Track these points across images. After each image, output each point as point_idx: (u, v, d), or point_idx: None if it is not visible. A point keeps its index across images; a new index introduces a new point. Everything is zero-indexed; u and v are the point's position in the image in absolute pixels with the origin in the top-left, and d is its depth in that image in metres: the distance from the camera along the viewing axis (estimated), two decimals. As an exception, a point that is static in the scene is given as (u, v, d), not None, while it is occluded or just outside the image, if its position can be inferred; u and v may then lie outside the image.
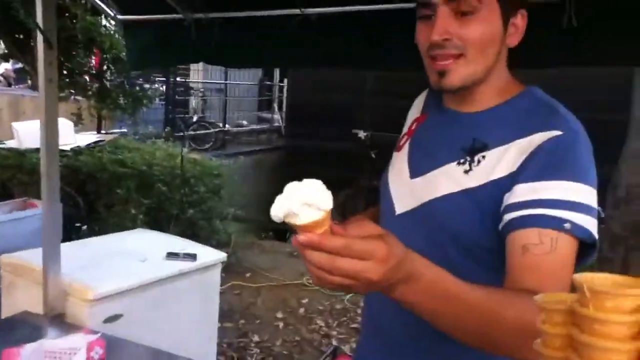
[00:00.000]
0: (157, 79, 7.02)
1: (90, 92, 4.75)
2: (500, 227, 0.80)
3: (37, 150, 3.14)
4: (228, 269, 3.85)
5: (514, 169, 0.82)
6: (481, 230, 0.84)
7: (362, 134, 6.17)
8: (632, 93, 4.29)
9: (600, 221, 0.85)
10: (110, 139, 4.75)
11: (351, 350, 3.03)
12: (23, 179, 3.71)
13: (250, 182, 6.06)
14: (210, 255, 2.28)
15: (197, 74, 9.56)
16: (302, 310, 3.77)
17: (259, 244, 5.19)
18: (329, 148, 6.79)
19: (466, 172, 0.87)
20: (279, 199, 0.58)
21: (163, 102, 7.60)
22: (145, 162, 4.16)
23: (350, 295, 3.80)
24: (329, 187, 0.59)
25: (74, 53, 4.41)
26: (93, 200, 3.85)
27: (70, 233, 3.12)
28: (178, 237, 2.54)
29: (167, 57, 2.13)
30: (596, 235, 0.78)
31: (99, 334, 1.43)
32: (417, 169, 0.95)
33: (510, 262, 0.77)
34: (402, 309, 0.67)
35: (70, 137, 4.29)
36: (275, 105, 9.94)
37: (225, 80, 9.23)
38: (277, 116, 9.52)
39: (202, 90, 9.35)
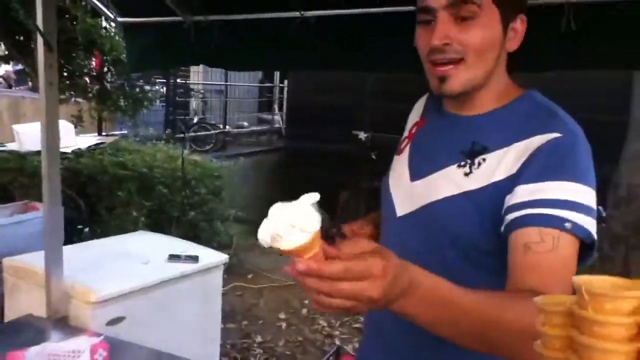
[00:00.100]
0: (157, 80, 7.03)
1: (90, 94, 4.75)
2: (502, 228, 0.81)
3: (37, 152, 3.14)
4: (230, 271, 3.86)
5: (514, 171, 0.83)
6: (481, 232, 0.85)
7: (362, 135, 6.17)
8: (631, 95, 4.31)
9: (602, 220, 0.85)
10: (110, 141, 4.76)
11: (354, 350, 3.04)
12: (24, 182, 3.71)
13: (251, 183, 6.07)
14: (212, 257, 2.29)
15: (197, 75, 9.58)
16: (304, 310, 3.77)
17: (261, 245, 5.19)
18: (329, 149, 6.79)
19: (466, 174, 0.88)
20: (264, 223, 0.56)
21: (163, 104, 7.61)
22: (146, 164, 4.16)
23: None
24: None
25: (74, 55, 4.40)
26: (94, 203, 3.85)
27: (72, 235, 3.12)
28: (180, 239, 2.54)
29: (167, 59, 2.14)
30: (595, 236, 0.79)
31: (102, 337, 1.44)
32: (417, 172, 0.96)
33: (512, 261, 0.78)
34: None
35: (71, 139, 4.30)
36: (276, 107, 9.95)
37: (226, 81, 9.24)
38: (277, 117, 9.52)
39: (202, 91, 9.36)
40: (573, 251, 0.77)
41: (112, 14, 2.08)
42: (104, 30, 4.48)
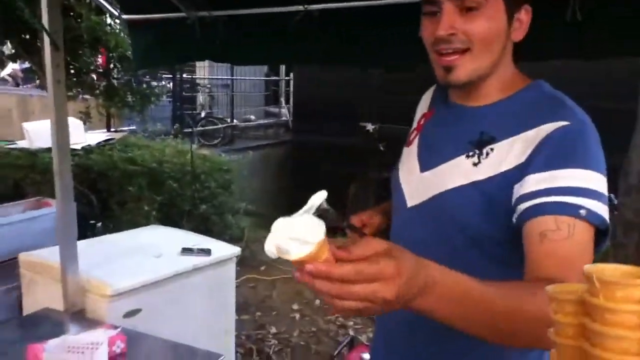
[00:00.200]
0: (164, 76, 7.04)
1: (98, 91, 4.78)
2: (514, 218, 0.81)
3: (48, 149, 3.17)
4: (242, 263, 3.88)
5: (522, 160, 0.83)
6: (490, 222, 0.86)
7: (370, 127, 6.16)
8: (639, 82, 4.27)
9: (614, 208, 0.86)
10: (119, 137, 4.79)
11: (368, 340, 3.06)
12: (36, 179, 3.76)
13: (260, 176, 6.09)
14: (224, 249, 2.30)
15: (204, 70, 9.56)
16: (317, 301, 3.78)
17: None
18: (336, 142, 6.77)
19: (475, 164, 0.88)
20: (268, 238, 0.56)
21: (170, 99, 7.63)
22: (155, 159, 4.19)
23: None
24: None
25: (80, 52, 4.41)
26: (106, 198, 3.89)
27: (85, 230, 3.15)
28: (192, 233, 2.56)
29: (172, 55, 2.14)
30: (609, 222, 0.79)
31: (120, 329, 1.47)
32: (427, 163, 0.97)
33: (529, 250, 0.78)
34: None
35: (81, 136, 4.33)
36: (282, 100, 9.93)
37: (232, 75, 9.22)
38: (284, 110, 9.50)
39: (208, 86, 9.35)
40: (589, 238, 0.77)
41: (116, 11, 2.08)
42: (108, 27, 4.49)
